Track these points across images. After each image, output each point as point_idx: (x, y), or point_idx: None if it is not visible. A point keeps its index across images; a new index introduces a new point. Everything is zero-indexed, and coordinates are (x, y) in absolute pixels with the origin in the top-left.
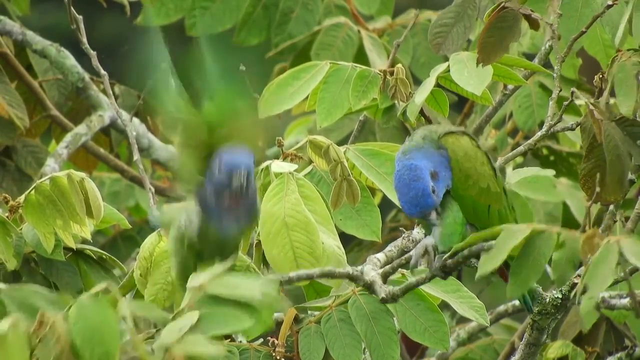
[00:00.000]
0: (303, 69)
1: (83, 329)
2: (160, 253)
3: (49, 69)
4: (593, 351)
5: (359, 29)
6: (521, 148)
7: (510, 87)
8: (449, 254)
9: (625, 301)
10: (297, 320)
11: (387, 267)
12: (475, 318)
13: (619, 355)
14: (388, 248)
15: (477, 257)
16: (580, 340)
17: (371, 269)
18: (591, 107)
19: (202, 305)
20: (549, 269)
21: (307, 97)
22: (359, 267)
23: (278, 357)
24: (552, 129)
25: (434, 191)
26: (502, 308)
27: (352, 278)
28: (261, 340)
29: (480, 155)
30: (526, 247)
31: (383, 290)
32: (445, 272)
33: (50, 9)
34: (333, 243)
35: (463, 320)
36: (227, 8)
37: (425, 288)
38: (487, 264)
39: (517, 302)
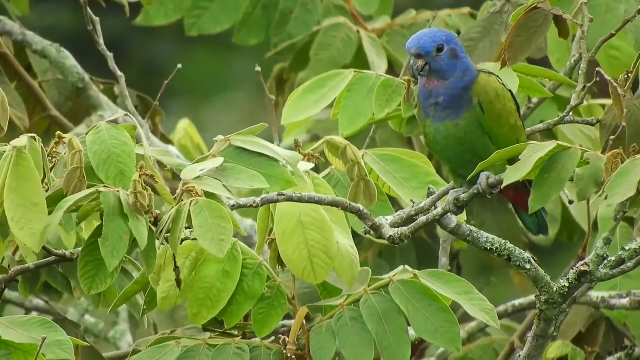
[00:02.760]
0: (328, 77)
1: (99, 151)
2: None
3: (49, 69)
4: (593, 351)
5: (359, 29)
6: (540, 126)
7: (534, 100)
8: (463, 189)
9: (625, 301)
10: (308, 319)
11: (396, 216)
12: (487, 320)
13: (619, 355)
14: (397, 214)
15: (494, 187)
16: (580, 340)
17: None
18: (615, 84)
19: (226, 156)
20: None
21: (332, 104)
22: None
23: (289, 355)
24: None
25: (441, 49)
26: (502, 308)
27: (361, 215)
28: (272, 338)
29: (506, 92)
30: (550, 162)
31: (391, 230)
32: (458, 206)
33: (50, 9)
34: (347, 243)
35: (463, 320)
36: (227, 8)
37: (437, 289)
38: (513, 175)
39: (517, 302)
